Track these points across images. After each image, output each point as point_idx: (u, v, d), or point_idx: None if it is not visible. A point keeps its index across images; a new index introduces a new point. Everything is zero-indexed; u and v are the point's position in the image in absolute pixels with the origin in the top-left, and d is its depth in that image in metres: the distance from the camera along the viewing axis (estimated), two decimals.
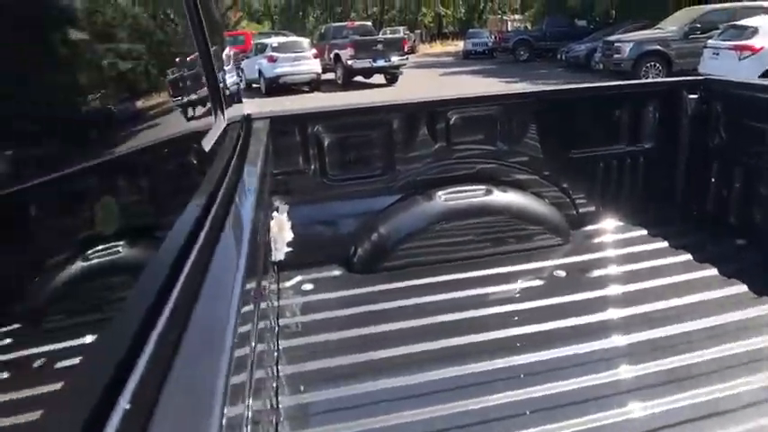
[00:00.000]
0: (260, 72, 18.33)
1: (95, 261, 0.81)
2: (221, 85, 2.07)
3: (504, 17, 41.46)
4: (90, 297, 0.78)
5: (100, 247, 0.83)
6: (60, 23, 0.83)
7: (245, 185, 1.69)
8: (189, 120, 1.56)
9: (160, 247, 1.03)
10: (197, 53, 1.79)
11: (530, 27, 32.76)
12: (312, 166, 2.94)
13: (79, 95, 0.87)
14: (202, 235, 1.14)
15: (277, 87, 17.75)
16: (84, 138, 0.86)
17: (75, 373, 0.65)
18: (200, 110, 1.73)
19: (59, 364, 0.63)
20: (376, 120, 2.99)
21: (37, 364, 0.60)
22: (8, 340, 0.56)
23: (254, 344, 1.11)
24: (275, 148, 2.85)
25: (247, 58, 19.49)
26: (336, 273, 2.84)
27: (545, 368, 2.00)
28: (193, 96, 1.69)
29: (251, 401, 0.95)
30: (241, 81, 17.48)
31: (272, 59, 17.94)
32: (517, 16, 40.86)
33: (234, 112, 2.51)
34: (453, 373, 2.00)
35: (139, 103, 1.20)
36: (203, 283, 0.96)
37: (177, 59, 1.62)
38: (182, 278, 0.92)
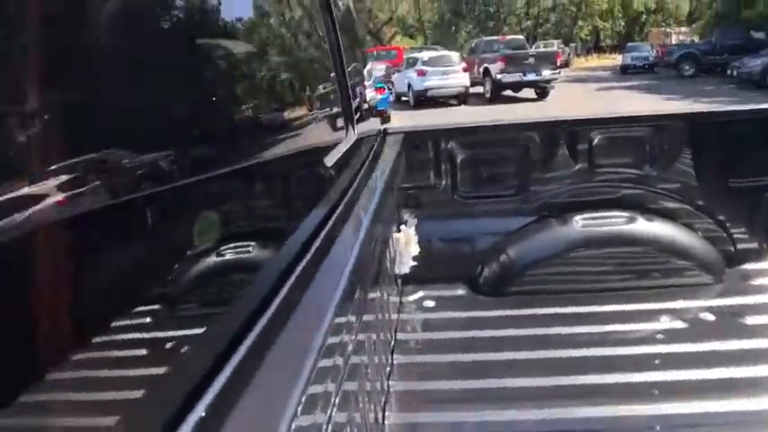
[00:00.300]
0: (409, 85, 18.71)
1: (213, 260, 0.85)
2: (355, 100, 2.10)
3: (668, 29, 38.82)
4: (203, 293, 0.83)
5: (221, 248, 0.88)
6: (203, 39, 0.92)
7: (367, 197, 1.70)
8: (320, 133, 1.60)
9: (276, 252, 1.08)
10: (332, 71, 1.84)
11: (697, 40, 30.35)
12: (444, 182, 2.91)
13: (224, 107, 0.97)
14: (316, 243, 1.17)
15: (425, 100, 18.00)
16: (224, 145, 0.93)
17: (167, 366, 0.68)
18: (331, 124, 1.77)
19: (153, 359, 0.66)
20: (512, 137, 2.90)
21: (131, 354, 0.63)
22: (117, 323, 0.60)
23: (349, 352, 1.11)
24: (408, 162, 2.86)
25: (398, 72, 20.02)
26: (460, 292, 2.78)
27: (684, 422, 1.80)
28: (326, 111, 1.74)
29: (335, 412, 0.94)
30: (391, 94, 18.06)
31: (421, 73, 18.24)
32: (683, 28, 38.02)
33: (370, 126, 2.55)
34: (575, 414, 1.85)
35: (271, 116, 1.25)
36: (306, 290, 0.98)
37: (312, 76, 1.67)
38: (288, 283, 0.96)
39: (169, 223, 0.74)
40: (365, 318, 1.42)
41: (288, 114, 1.37)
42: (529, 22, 41.09)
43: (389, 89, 18.33)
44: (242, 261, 0.96)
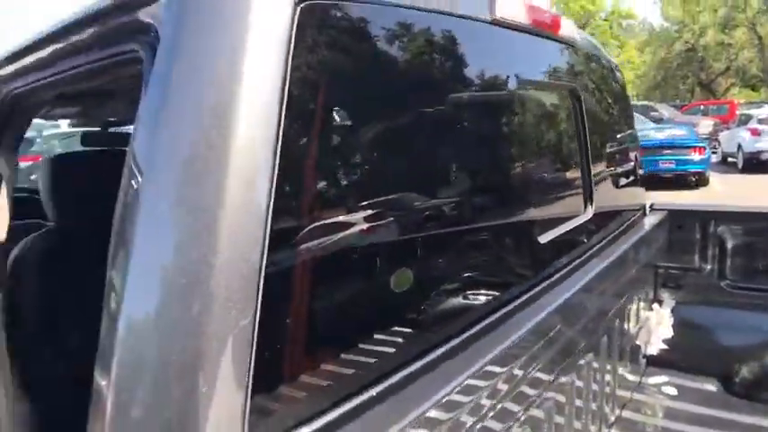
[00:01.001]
0: (739, 146, 16.67)
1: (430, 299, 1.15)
2: (600, 174, 2.15)
3: None
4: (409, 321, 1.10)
5: (443, 290, 1.16)
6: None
7: (585, 270, 1.78)
8: (546, 208, 1.75)
9: (476, 304, 1.29)
10: (573, 146, 1.94)
11: None
12: (710, 267, 2.72)
13: (466, 172, 1.30)
14: (509, 307, 1.35)
15: (757, 164, 15.83)
16: (458, 207, 1.25)
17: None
18: (563, 199, 1.89)
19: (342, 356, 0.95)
20: None
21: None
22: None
23: (495, 406, 1.21)
24: (671, 240, 2.76)
25: (727, 129, 18.06)
26: (709, 387, 2.55)
27: None
28: (558, 187, 1.87)
29: None
30: (716, 154, 16.32)
31: (755, 132, 16.07)
32: None
33: (624, 200, 2.55)
34: None
35: (508, 189, 1.48)
36: (481, 338, 1.18)
37: (549, 153, 1.83)
38: (473, 345, 1.16)
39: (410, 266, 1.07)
40: (550, 379, 1.49)
41: (518, 186, 1.56)
42: None
43: (714, 149, 16.59)
44: (446, 304, 1.20)
